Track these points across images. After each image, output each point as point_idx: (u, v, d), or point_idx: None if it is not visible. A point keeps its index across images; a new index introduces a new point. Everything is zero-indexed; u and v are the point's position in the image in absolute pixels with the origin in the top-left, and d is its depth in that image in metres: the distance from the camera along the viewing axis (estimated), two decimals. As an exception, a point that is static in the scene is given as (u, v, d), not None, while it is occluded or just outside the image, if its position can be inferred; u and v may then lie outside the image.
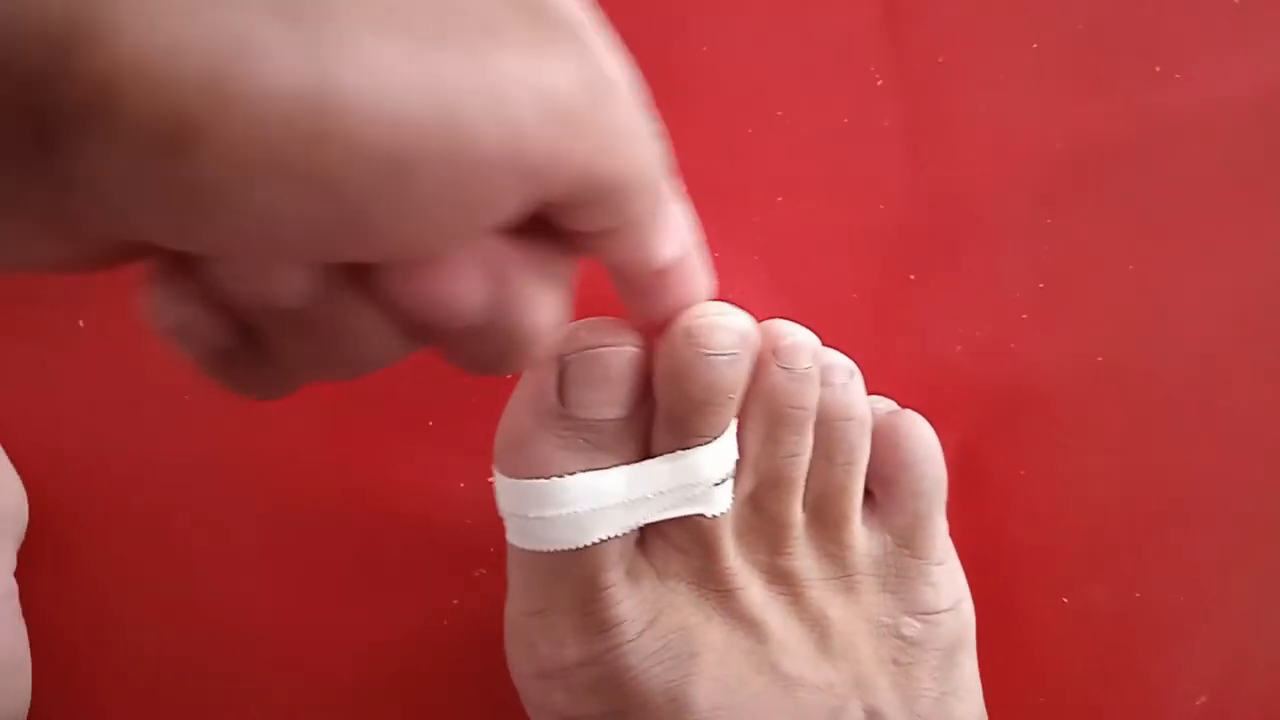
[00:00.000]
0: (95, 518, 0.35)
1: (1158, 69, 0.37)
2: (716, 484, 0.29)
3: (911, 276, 0.36)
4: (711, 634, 0.30)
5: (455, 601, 0.35)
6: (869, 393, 0.34)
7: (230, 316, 0.20)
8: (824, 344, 0.32)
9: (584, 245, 0.22)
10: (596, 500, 0.28)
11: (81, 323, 0.34)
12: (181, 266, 0.20)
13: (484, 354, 0.22)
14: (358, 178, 0.16)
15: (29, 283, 0.34)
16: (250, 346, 0.21)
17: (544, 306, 0.22)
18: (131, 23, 0.14)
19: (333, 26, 0.15)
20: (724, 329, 0.28)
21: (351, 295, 0.20)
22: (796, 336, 0.30)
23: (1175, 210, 0.37)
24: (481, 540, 0.35)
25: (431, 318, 0.20)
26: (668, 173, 0.23)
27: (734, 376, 0.28)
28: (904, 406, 0.33)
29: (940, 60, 0.36)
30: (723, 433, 0.29)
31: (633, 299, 0.27)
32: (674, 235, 0.25)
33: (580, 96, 0.18)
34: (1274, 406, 0.36)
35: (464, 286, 0.20)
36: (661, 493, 0.29)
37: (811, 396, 0.30)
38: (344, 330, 0.20)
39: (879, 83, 0.36)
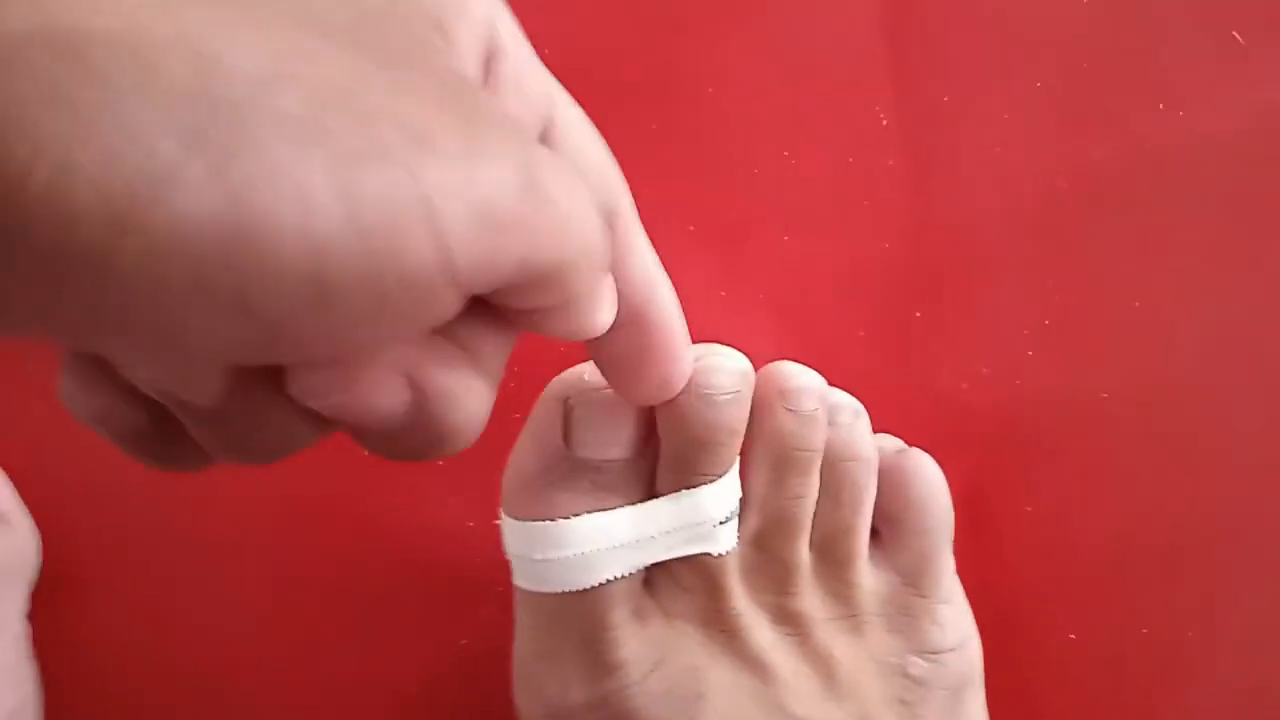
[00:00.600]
0: (107, 561, 0.35)
1: (1161, 106, 0.37)
2: (721, 523, 0.29)
3: (917, 314, 0.36)
4: (718, 675, 0.30)
5: (463, 642, 0.35)
6: (876, 431, 0.34)
7: (144, 403, 0.20)
8: (831, 382, 0.32)
9: (519, 322, 0.21)
10: (602, 541, 0.28)
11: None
12: (94, 359, 0.19)
13: (403, 449, 0.21)
14: (276, 301, 0.15)
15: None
16: (166, 428, 0.20)
17: (468, 403, 0.20)
18: (49, 151, 0.14)
19: (250, 150, 0.15)
20: (723, 370, 0.28)
21: (265, 393, 0.19)
22: (802, 379, 0.30)
23: (1179, 245, 0.37)
24: (489, 580, 0.35)
25: (347, 419, 0.20)
26: (626, 211, 0.23)
27: (735, 416, 0.28)
28: (910, 444, 0.33)
29: (944, 99, 0.37)
30: (726, 471, 0.29)
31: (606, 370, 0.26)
32: (619, 297, 0.23)
33: (516, 199, 0.17)
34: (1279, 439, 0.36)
35: (381, 392, 0.19)
36: (667, 532, 0.29)
37: (818, 439, 0.30)
38: (258, 423, 0.20)
39: (884, 122, 0.36)
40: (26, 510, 0.34)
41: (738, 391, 0.28)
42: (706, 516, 0.29)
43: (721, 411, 0.28)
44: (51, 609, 0.34)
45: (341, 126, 0.15)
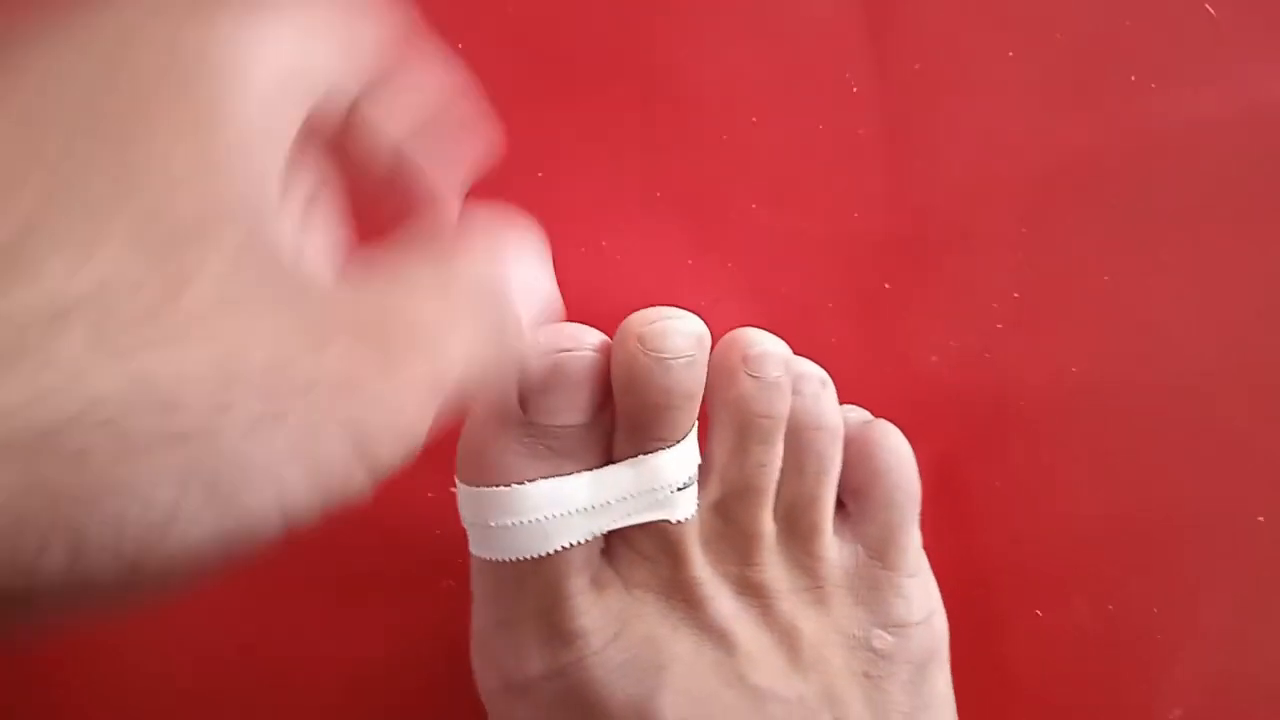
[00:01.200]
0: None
1: (1133, 79, 0.37)
2: (679, 489, 0.29)
3: (887, 285, 0.36)
4: (679, 645, 0.29)
5: (422, 614, 0.35)
6: (844, 402, 0.34)
7: None
8: (798, 353, 0.32)
9: None
10: (558, 507, 0.28)
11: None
12: None
13: None
14: (251, 551, 0.17)
15: None
16: None
17: None
18: (58, 534, 0.15)
19: (230, 465, 0.16)
20: (678, 333, 0.28)
21: None
22: (765, 345, 0.30)
23: (1152, 222, 0.36)
24: (449, 552, 0.34)
25: None
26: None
27: (691, 379, 0.28)
28: (879, 416, 0.33)
29: (917, 68, 0.36)
30: (684, 437, 0.29)
31: None
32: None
33: (427, 404, 0.19)
34: (1251, 418, 0.36)
35: None
36: (624, 498, 0.28)
37: (781, 405, 0.30)
38: None
39: (854, 90, 0.36)
40: None
41: (692, 355, 0.28)
42: (664, 482, 0.28)
43: (676, 375, 0.28)
44: None
45: (290, 405, 0.17)
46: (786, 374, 0.30)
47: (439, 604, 0.34)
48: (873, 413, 0.33)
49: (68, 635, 0.34)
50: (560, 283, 0.34)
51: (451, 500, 0.31)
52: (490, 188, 0.34)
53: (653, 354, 0.27)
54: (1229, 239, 0.36)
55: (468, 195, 0.34)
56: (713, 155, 0.36)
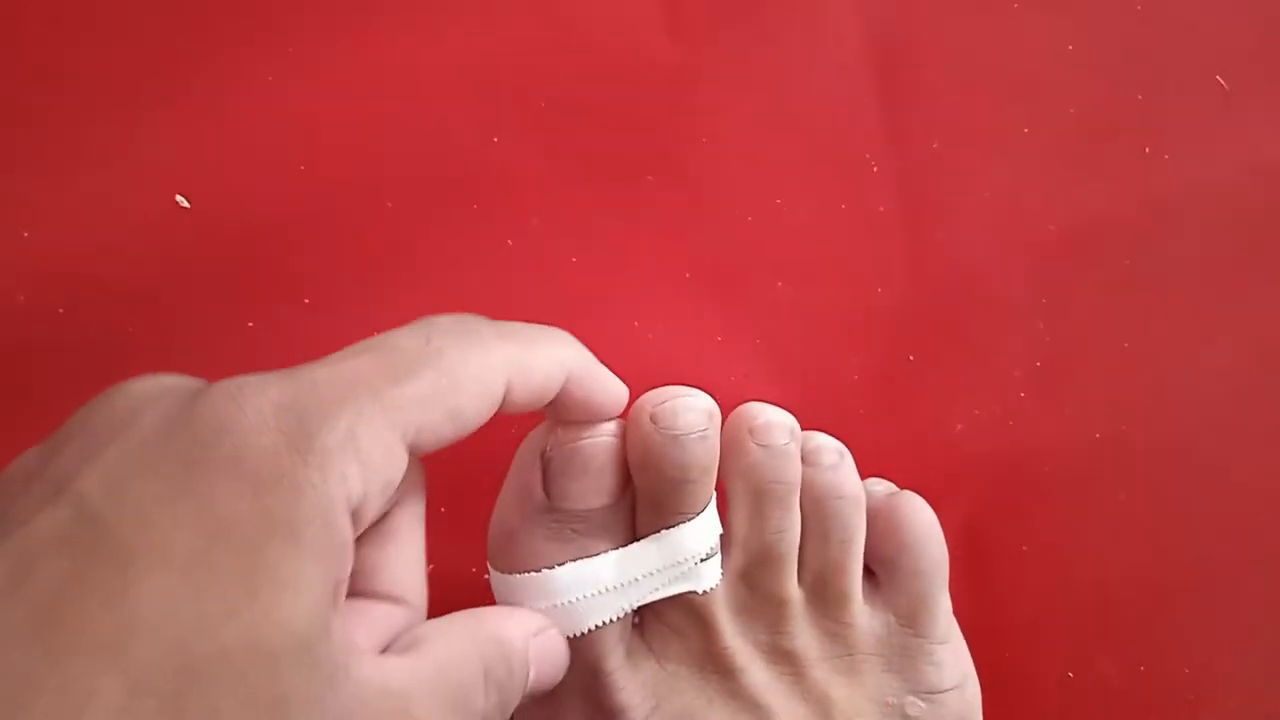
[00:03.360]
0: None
1: (1147, 150, 0.38)
2: (703, 559, 0.30)
3: (911, 357, 0.37)
4: (715, 717, 0.30)
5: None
6: (872, 473, 0.35)
7: None
8: (825, 424, 0.33)
9: None
10: (587, 587, 0.29)
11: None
12: None
13: None
14: None
15: (43, 381, 0.35)
16: None
17: None
18: None
19: None
20: (689, 410, 0.29)
21: None
22: (770, 415, 0.31)
23: (1167, 288, 0.37)
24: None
25: None
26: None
27: (705, 453, 0.29)
28: (907, 485, 0.34)
29: (934, 146, 0.38)
30: (704, 509, 0.30)
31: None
32: None
33: None
34: (1272, 478, 0.37)
35: None
36: (650, 573, 0.29)
37: (792, 471, 0.31)
38: None
39: (875, 169, 0.37)
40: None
41: (705, 430, 0.29)
42: (688, 554, 0.29)
43: (690, 450, 0.29)
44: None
45: None
46: (793, 441, 0.31)
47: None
48: (900, 481, 0.34)
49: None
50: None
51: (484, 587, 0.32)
52: (527, 274, 0.36)
53: (666, 431, 0.29)
54: (1244, 302, 0.37)
55: (503, 284, 0.36)
56: (739, 236, 0.37)
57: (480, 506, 0.34)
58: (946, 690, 0.32)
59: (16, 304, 0.34)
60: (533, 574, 0.29)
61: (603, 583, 0.29)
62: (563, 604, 0.28)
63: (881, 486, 0.34)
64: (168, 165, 0.35)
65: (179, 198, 0.35)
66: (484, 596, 0.35)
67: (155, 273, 0.35)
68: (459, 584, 0.35)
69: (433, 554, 0.35)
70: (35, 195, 0.34)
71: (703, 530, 0.30)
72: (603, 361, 0.35)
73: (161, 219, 0.35)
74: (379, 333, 0.35)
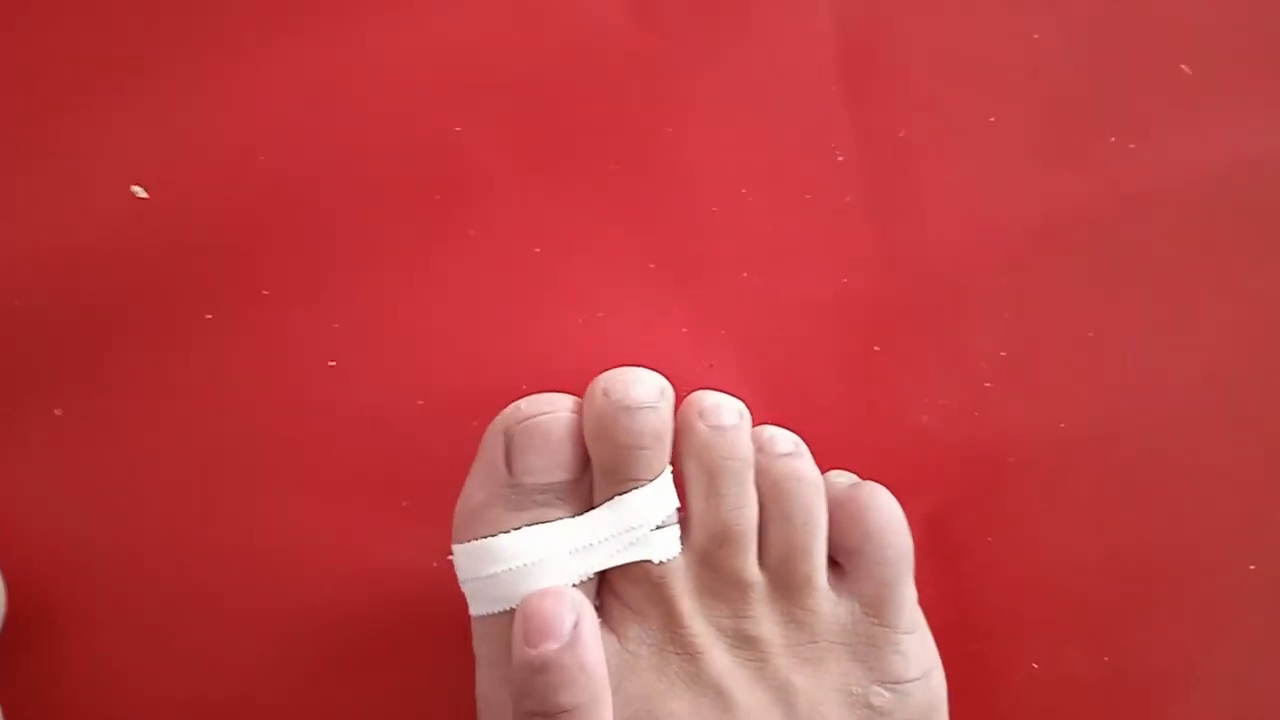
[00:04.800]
0: (76, 607, 0.35)
1: (1113, 140, 0.38)
2: (657, 528, 0.30)
3: (876, 348, 0.37)
4: (676, 702, 0.30)
5: (429, 678, 0.35)
6: (837, 465, 0.35)
7: None
8: (791, 417, 0.33)
9: None
10: (539, 552, 0.30)
11: (58, 411, 0.35)
12: None
13: None
14: None
15: (1, 374, 0.35)
16: None
17: None
18: None
19: None
20: (639, 382, 0.30)
21: None
22: (718, 397, 0.32)
23: (1135, 276, 0.37)
24: (454, 621, 0.35)
25: None
26: None
27: (656, 422, 0.30)
28: (872, 477, 0.33)
29: (901, 135, 0.37)
30: (656, 477, 0.30)
31: None
32: None
33: None
34: (1239, 467, 0.37)
35: None
36: (604, 540, 0.30)
37: (743, 447, 0.31)
38: None
39: (840, 159, 0.37)
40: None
41: (655, 403, 0.30)
42: (640, 520, 0.30)
43: (641, 418, 0.30)
44: (16, 656, 0.34)
45: None
46: (743, 421, 0.32)
47: (447, 668, 0.35)
48: (865, 473, 0.34)
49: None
50: (559, 354, 0.36)
51: (454, 572, 0.31)
52: (489, 265, 0.36)
53: (618, 402, 0.30)
54: (1211, 289, 0.37)
55: (465, 275, 0.36)
56: (705, 227, 0.37)
57: (441, 500, 0.34)
58: (912, 680, 0.31)
59: (-32, 296, 0.34)
60: (487, 539, 0.30)
61: (556, 547, 0.30)
62: (516, 567, 0.29)
63: (844, 478, 0.34)
64: (124, 156, 0.35)
65: (136, 188, 0.35)
66: (443, 590, 0.35)
67: (112, 264, 0.35)
68: (419, 579, 0.35)
69: (394, 548, 0.35)
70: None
71: (655, 497, 0.30)
72: (567, 352, 0.35)
73: (118, 210, 0.35)
74: (337, 324, 0.35)
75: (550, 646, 0.27)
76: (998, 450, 0.37)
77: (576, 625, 0.28)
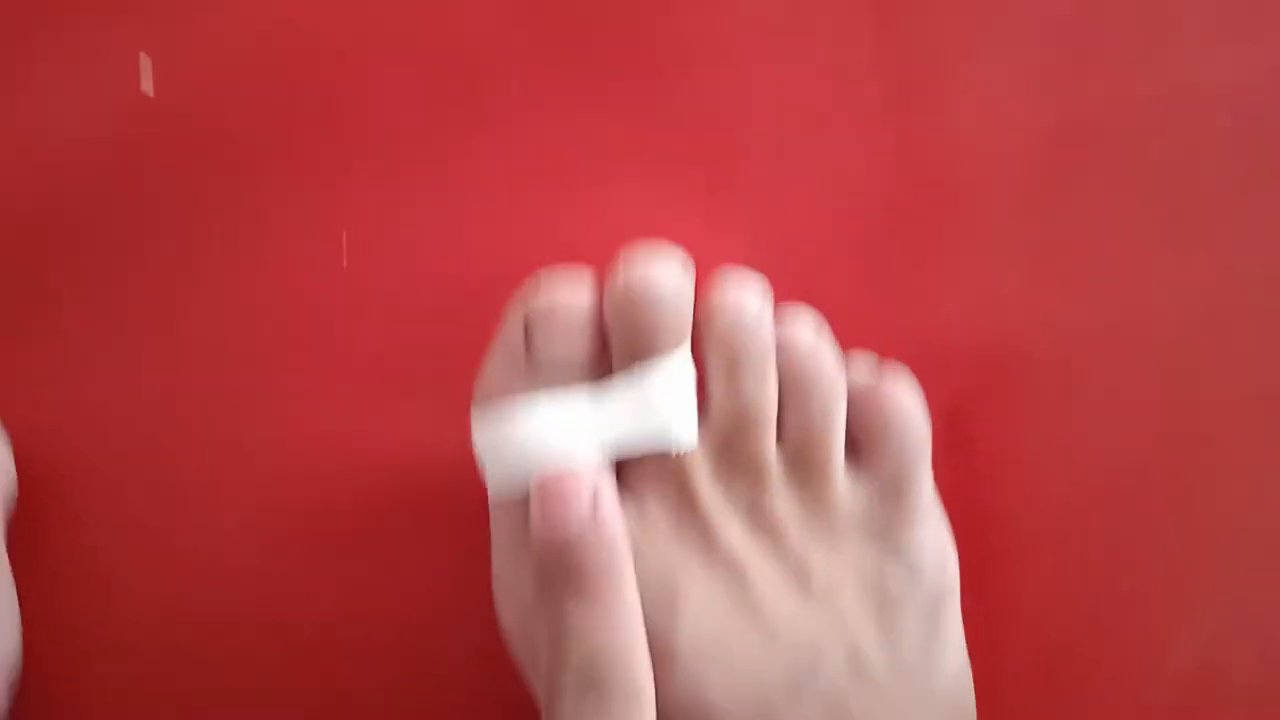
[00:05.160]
0: (86, 482, 0.35)
1: (1142, 47, 0.37)
2: (676, 410, 0.30)
3: (898, 241, 0.36)
4: (691, 576, 0.30)
5: (447, 562, 0.35)
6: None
7: None
8: (813, 306, 0.33)
9: None
10: (557, 430, 0.29)
11: (66, 301, 0.35)
12: None
13: None
14: None
15: (5, 258, 0.34)
16: None
17: None
18: None
19: None
20: (660, 260, 0.30)
21: None
22: (742, 277, 0.31)
23: (1158, 175, 0.37)
24: (471, 503, 0.35)
25: None
26: None
27: (676, 300, 0.30)
28: (891, 365, 0.33)
29: (925, 27, 0.37)
30: (676, 356, 0.30)
31: None
32: None
33: None
34: (1255, 368, 0.37)
35: None
36: (622, 418, 0.30)
37: (765, 333, 0.31)
38: None
39: (866, 50, 0.36)
40: (2, 430, 0.34)
41: (676, 281, 0.30)
42: (659, 400, 0.30)
43: (661, 295, 0.29)
44: (28, 524, 0.34)
45: None
46: (766, 306, 0.31)
47: (464, 553, 0.35)
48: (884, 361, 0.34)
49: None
50: (570, 245, 0.35)
51: (471, 454, 0.31)
52: (499, 151, 0.36)
53: (638, 280, 0.29)
54: (1232, 196, 0.37)
55: (475, 161, 0.35)
56: (723, 117, 0.36)
57: (456, 387, 0.34)
58: (926, 565, 0.32)
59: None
60: (505, 418, 0.29)
61: (575, 425, 0.29)
62: (534, 446, 0.29)
63: (865, 361, 0.34)
64: (131, 46, 0.35)
65: (142, 75, 0.34)
66: (460, 476, 0.35)
67: (118, 158, 0.35)
68: (435, 465, 0.35)
69: (410, 435, 0.35)
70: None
71: (675, 376, 0.30)
72: (583, 240, 0.35)
73: (126, 100, 0.35)
74: (349, 210, 0.35)
75: (570, 525, 0.26)
76: (1020, 344, 0.36)
77: (596, 503, 0.27)
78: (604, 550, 0.26)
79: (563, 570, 0.26)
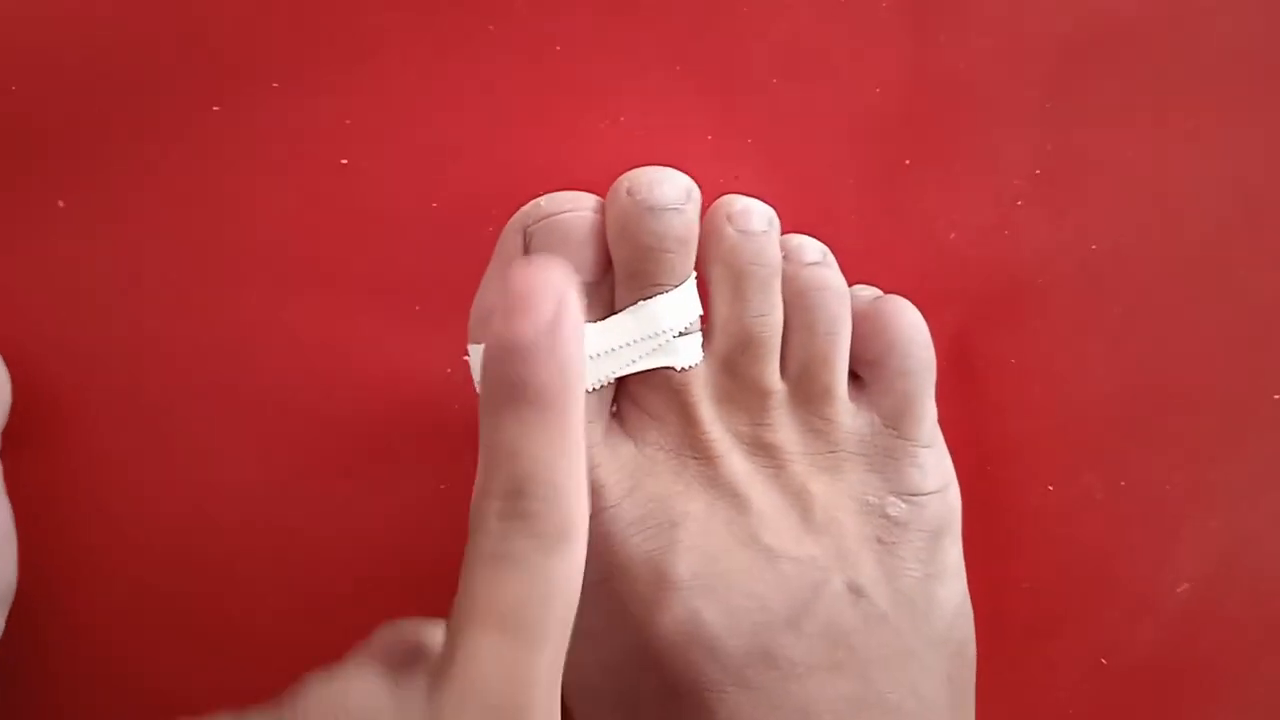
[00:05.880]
0: (81, 398, 0.34)
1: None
2: (680, 334, 0.30)
3: (907, 161, 0.36)
4: (692, 503, 0.30)
5: (442, 486, 0.35)
6: (862, 279, 0.34)
7: None
8: (818, 229, 0.32)
9: None
10: None
11: (61, 203, 0.34)
12: None
13: None
14: None
15: (1, 165, 0.33)
16: None
17: None
18: None
19: None
20: (665, 181, 0.29)
21: None
22: (748, 201, 0.31)
23: (1174, 97, 0.36)
24: (468, 426, 0.35)
25: None
26: None
27: (681, 224, 0.29)
28: (897, 292, 0.33)
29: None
30: (681, 283, 0.30)
31: None
32: None
33: None
34: (1267, 295, 0.36)
35: None
36: (626, 344, 0.29)
37: (771, 255, 0.30)
38: None
39: (878, -36, 0.35)
40: (-4, 348, 0.33)
41: (681, 205, 0.29)
42: (662, 326, 0.29)
43: (666, 220, 0.29)
44: (23, 447, 0.34)
45: None
46: (772, 228, 0.31)
47: (460, 477, 0.35)
48: (890, 287, 0.34)
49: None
50: (579, 157, 0.35)
51: (469, 376, 0.31)
52: (508, 61, 0.34)
53: (642, 202, 0.28)
54: (1254, 112, 0.36)
55: (485, 70, 0.34)
56: (733, 29, 0.35)
57: (455, 304, 0.33)
58: (928, 493, 0.31)
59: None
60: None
61: None
62: None
63: (868, 292, 0.33)
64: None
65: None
66: (456, 395, 0.35)
67: (113, 51, 0.33)
68: (432, 383, 0.35)
69: (407, 352, 0.35)
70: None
71: (679, 303, 0.29)
72: (587, 156, 0.34)
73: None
74: (350, 121, 0.34)
75: (524, 330, 0.23)
76: (1025, 270, 0.36)
77: (558, 316, 0.23)
78: (554, 364, 0.23)
79: (506, 377, 0.23)
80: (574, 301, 0.24)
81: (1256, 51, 0.36)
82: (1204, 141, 0.36)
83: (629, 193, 0.29)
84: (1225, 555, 0.36)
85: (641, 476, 0.30)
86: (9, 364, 0.33)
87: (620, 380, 0.31)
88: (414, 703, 0.21)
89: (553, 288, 0.23)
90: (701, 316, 0.31)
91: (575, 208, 0.29)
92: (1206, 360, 0.36)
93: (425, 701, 0.21)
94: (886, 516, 0.31)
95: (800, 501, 0.30)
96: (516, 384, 0.23)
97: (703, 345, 0.31)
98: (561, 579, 0.23)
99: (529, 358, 0.23)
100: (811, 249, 0.31)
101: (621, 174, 0.30)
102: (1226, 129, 0.36)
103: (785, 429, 0.31)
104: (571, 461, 0.23)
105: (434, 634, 0.24)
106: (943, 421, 0.33)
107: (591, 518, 0.29)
